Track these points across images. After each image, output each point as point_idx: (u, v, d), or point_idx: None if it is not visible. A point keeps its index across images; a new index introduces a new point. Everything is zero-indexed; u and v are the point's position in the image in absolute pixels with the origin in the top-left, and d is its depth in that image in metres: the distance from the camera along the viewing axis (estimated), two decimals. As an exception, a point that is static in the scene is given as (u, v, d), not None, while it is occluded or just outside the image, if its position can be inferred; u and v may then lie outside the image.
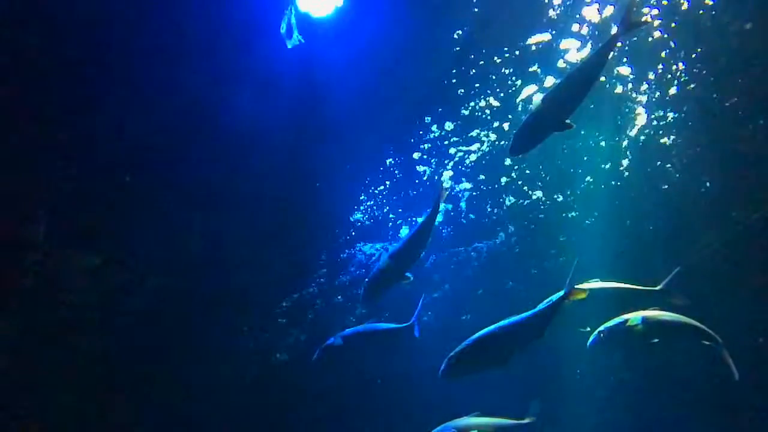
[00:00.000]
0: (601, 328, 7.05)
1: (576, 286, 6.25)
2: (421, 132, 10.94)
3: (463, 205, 12.63)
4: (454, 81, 10.07)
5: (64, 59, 7.09)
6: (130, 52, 7.33)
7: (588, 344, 7.14)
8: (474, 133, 11.20)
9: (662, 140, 10.81)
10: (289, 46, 7.96)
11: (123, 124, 7.60)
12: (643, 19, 8.60)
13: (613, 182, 11.35)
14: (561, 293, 6.15)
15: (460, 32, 9.41)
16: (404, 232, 12.53)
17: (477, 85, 10.27)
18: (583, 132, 10.70)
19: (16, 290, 6.94)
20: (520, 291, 12.52)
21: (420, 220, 7.11)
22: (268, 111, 7.93)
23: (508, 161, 11.54)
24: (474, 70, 9.99)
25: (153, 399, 8.27)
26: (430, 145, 11.42)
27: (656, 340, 6.76)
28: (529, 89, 10.39)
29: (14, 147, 7.02)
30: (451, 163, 11.84)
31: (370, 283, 6.65)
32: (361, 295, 6.76)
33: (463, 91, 10.33)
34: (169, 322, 8.18)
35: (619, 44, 7.75)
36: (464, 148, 11.54)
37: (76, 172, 7.47)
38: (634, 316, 6.88)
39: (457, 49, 9.52)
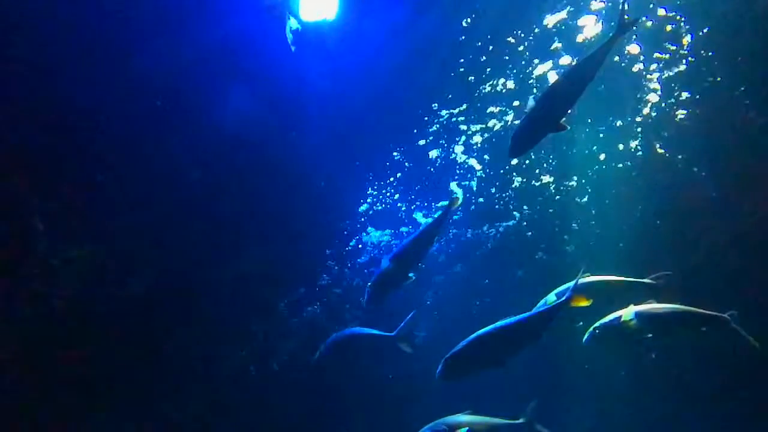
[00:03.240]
0: (596, 325, 7.09)
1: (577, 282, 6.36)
2: (426, 118, 10.96)
3: (473, 184, 12.69)
4: (461, 70, 10.02)
5: (67, 62, 7.33)
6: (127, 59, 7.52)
7: (583, 342, 7.18)
8: (490, 110, 11.16)
9: (677, 116, 10.65)
10: (293, 50, 8.09)
11: (123, 126, 7.84)
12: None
13: (621, 164, 11.27)
14: (563, 298, 6.13)
15: (468, 20, 9.34)
16: (418, 216, 12.70)
17: (489, 69, 10.21)
18: (589, 120, 10.58)
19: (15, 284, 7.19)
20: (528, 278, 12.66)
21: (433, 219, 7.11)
22: (266, 111, 8.11)
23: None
24: (484, 57, 9.94)
25: (151, 397, 8.54)
26: (438, 127, 11.44)
27: (650, 335, 6.80)
28: (545, 66, 10.30)
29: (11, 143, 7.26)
30: (463, 138, 11.85)
31: (373, 286, 6.83)
32: (365, 298, 7.00)
33: (473, 78, 10.28)
34: (167, 316, 8.45)
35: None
36: (475, 127, 11.53)
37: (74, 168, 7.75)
38: (628, 312, 6.91)
39: (463, 38, 9.43)
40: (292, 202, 9.27)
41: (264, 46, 7.99)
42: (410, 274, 6.77)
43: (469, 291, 13.16)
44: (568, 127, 5.81)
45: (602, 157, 11.49)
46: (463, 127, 11.50)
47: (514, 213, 12.87)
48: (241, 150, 8.39)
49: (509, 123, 11.29)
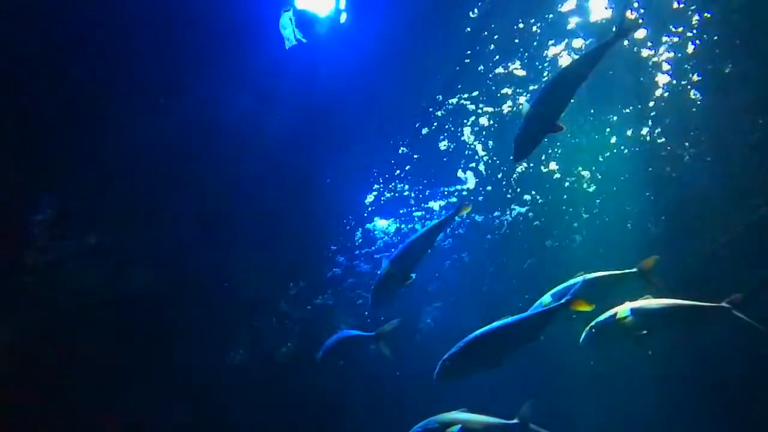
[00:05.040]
0: (592, 324, 7.00)
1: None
2: (430, 109, 10.92)
3: (481, 167, 12.66)
4: (467, 61, 9.94)
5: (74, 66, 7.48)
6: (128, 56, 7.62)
7: (580, 342, 7.15)
8: (504, 91, 11.07)
9: (688, 98, 10.45)
10: (288, 46, 8.08)
11: (124, 124, 7.99)
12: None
13: (628, 151, 11.14)
14: (563, 300, 6.05)
15: (475, 11, 9.24)
16: (432, 203, 12.82)
17: (497, 57, 10.11)
18: (592, 110, 10.45)
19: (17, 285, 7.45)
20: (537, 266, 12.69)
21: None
22: (267, 109, 8.18)
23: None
24: (492, 45, 9.83)
25: (151, 394, 8.81)
26: (444, 113, 11.40)
27: (646, 331, 6.68)
28: (557, 48, 10.16)
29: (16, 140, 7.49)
30: (472, 119, 11.79)
31: (375, 290, 6.96)
32: (369, 302, 7.17)
33: (482, 68, 10.19)
34: (166, 313, 8.68)
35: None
36: (488, 109, 11.45)
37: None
38: (623, 309, 6.81)
39: (468, 29, 9.33)
40: (293, 196, 9.40)
41: (261, 41, 8.01)
42: (411, 275, 6.88)
43: (475, 279, 13.25)
44: (564, 127, 5.80)
45: (612, 141, 11.39)
46: (471, 107, 11.42)
47: (525, 197, 12.86)
48: (238, 149, 8.49)
49: (520, 106, 11.20)
